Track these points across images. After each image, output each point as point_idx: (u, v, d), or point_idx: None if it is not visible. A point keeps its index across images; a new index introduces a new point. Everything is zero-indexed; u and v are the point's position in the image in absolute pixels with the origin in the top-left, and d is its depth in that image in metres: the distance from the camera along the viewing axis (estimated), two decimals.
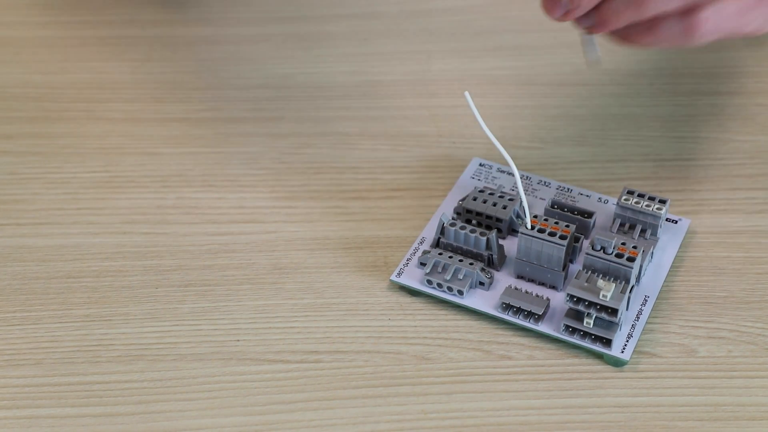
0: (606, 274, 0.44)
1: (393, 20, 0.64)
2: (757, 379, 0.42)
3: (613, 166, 0.53)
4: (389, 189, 0.52)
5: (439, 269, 0.46)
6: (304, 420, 0.41)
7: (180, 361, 0.44)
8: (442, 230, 0.47)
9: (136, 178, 0.53)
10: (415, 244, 0.48)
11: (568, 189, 0.50)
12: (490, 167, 0.52)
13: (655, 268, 0.46)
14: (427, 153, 0.54)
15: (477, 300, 0.45)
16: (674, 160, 0.53)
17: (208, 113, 0.57)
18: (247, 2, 0.66)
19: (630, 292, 0.43)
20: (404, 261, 0.47)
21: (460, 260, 0.46)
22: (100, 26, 0.64)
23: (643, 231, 0.47)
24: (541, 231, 0.45)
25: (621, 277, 0.43)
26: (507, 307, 0.44)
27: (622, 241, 0.44)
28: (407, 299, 0.46)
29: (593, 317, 0.42)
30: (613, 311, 0.42)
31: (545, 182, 0.51)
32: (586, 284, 0.43)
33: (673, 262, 0.47)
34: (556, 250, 0.44)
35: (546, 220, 0.45)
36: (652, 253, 0.46)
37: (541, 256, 0.45)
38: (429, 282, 0.45)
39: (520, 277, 0.46)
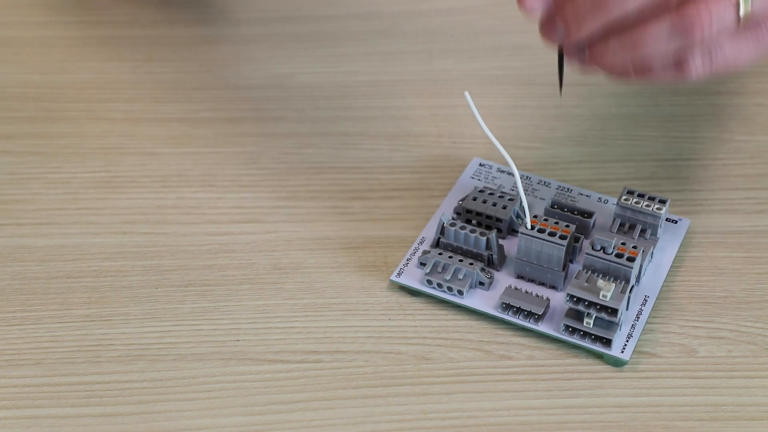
0: (606, 274, 0.44)
1: (393, 20, 0.64)
2: (757, 379, 0.42)
3: (613, 166, 0.53)
4: (389, 189, 0.52)
5: (439, 269, 0.46)
6: (304, 420, 0.41)
7: (180, 361, 0.44)
8: (442, 230, 0.47)
9: (136, 178, 0.53)
10: (415, 244, 0.48)
11: (568, 189, 0.50)
12: (490, 167, 0.52)
13: (655, 268, 0.46)
14: (427, 153, 0.54)
15: (477, 300, 0.45)
16: (674, 160, 0.53)
17: (208, 113, 0.57)
18: (247, 2, 0.66)
19: (630, 292, 0.43)
20: (404, 261, 0.47)
21: (460, 260, 0.46)
22: (100, 26, 0.64)
23: (643, 231, 0.47)
24: (541, 231, 0.45)
25: (621, 277, 0.43)
26: (507, 307, 0.44)
27: (622, 241, 0.44)
28: (407, 299, 0.46)
29: (593, 317, 0.42)
30: (613, 311, 0.42)
31: (545, 182, 0.51)
32: (586, 284, 0.43)
33: (673, 262, 0.47)
34: (556, 250, 0.44)
35: (546, 220, 0.45)
36: (652, 253, 0.46)
37: (541, 256, 0.45)
38: (429, 282, 0.45)
39: (520, 277, 0.46)
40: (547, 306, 0.44)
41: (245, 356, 0.44)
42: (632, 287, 0.43)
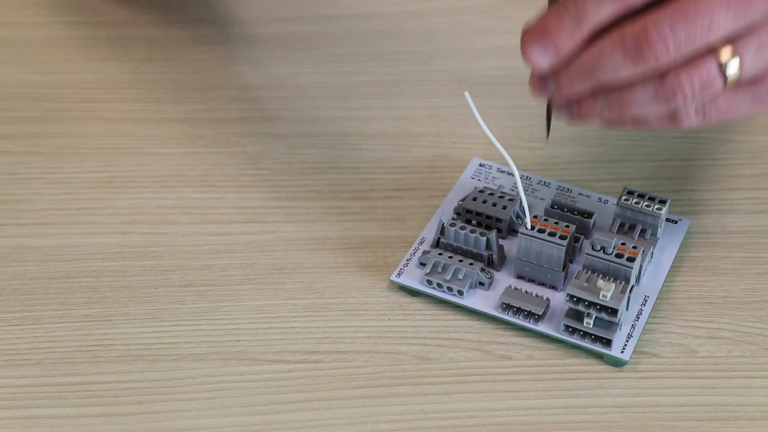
0: (606, 274, 0.44)
1: (393, 20, 0.64)
2: (757, 379, 0.42)
3: (613, 166, 0.53)
4: (389, 189, 0.52)
5: (439, 269, 0.46)
6: (304, 420, 0.41)
7: (180, 361, 0.44)
8: (442, 230, 0.47)
9: (136, 178, 0.53)
10: (415, 244, 0.48)
11: (568, 189, 0.50)
12: (490, 167, 0.52)
13: (655, 268, 0.46)
14: (427, 153, 0.54)
15: (477, 300, 0.45)
16: (674, 160, 0.53)
17: (208, 113, 0.57)
18: (247, 2, 0.66)
19: (630, 292, 0.43)
20: (404, 261, 0.47)
21: (460, 260, 0.46)
22: (100, 26, 0.64)
23: (643, 231, 0.47)
24: (541, 231, 0.45)
25: (621, 277, 0.43)
26: (507, 307, 0.44)
27: (622, 241, 0.44)
28: (407, 299, 0.46)
29: (593, 317, 0.42)
30: (613, 311, 0.42)
31: (545, 182, 0.51)
32: (586, 284, 0.43)
33: (673, 262, 0.47)
34: (556, 250, 0.44)
35: (546, 220, 0.45)
36: (652, 253, 0.46)
37: (541, 256, 0.45)
38: (429, 282, 0.45)
39: (520, 277, 0.46)
40: (547, 306, 0.44)
41: (245, 356, 0.44)
42: (632, 287, 0.43)
